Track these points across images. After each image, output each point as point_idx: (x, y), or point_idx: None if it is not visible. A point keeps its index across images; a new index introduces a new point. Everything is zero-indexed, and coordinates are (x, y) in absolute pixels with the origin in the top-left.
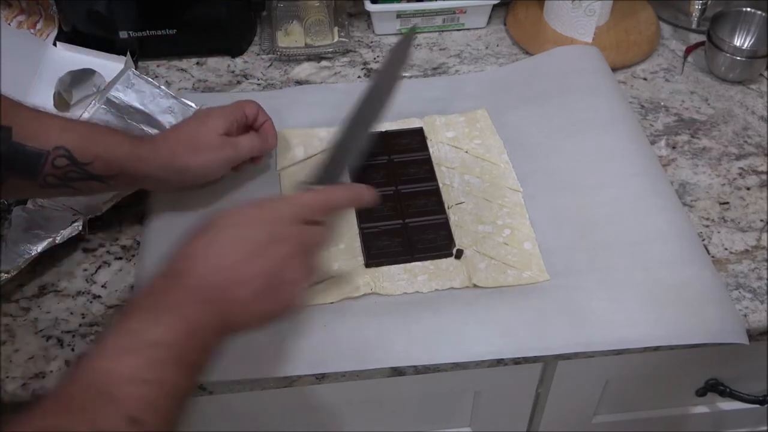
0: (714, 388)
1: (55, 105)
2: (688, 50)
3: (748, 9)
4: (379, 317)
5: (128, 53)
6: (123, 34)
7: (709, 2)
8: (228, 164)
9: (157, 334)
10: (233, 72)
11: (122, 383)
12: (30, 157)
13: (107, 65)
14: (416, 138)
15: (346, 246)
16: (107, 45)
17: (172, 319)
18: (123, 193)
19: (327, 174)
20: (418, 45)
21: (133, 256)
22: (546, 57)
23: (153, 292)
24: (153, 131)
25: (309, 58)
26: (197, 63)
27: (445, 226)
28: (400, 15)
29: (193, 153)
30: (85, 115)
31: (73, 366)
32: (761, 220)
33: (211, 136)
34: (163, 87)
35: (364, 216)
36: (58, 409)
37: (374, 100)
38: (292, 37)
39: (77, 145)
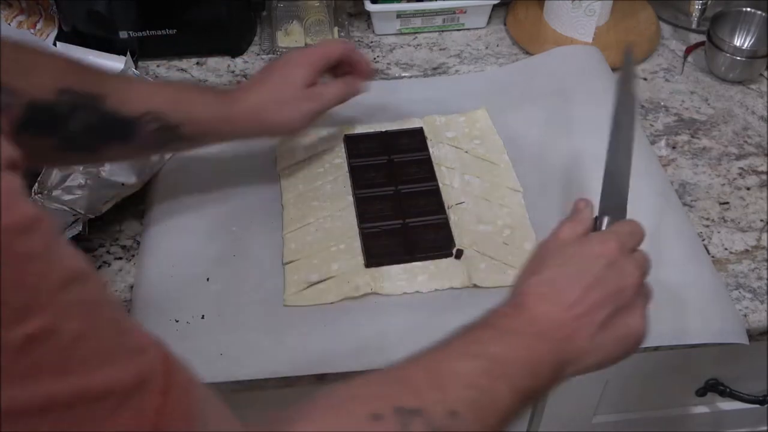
0: (714, 388)
1: None
2: (688, 50)
3: (748, 9)
4: (379, 317)
5: (128, 53)
6: (123, 34)
7: (709, 2)
8: (313, 116)
9: (499, 349)
10: (233, 72)
11: (454, 379)
12: (123, 124)
13: (107, 65)
14: (416, 138)
15: (346, 246)
16: (107, 45)
17: (515, 342)
18: (123, 194)
19: (614, 204)
20: (418, 45)
21: (133, 256)
22: (546, 57)
23: (503, 315)
24: None
25: None
26: (197, 63)
27: (445, 226)
28: (400, 15)
29: (277, 109)
30: None
31: (416, 353)
32: (761, 220)
33: (295, 90)
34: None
35: (364, 216)
36: (388, 382)
37: (625, 123)
38: (292, 37)
39: (167, 109)
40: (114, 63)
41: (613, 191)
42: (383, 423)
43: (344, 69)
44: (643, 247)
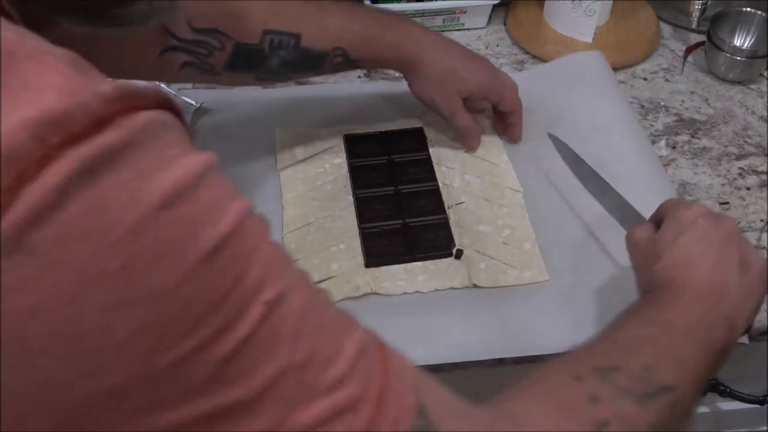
0: (714, 388)
1: None
2: (688, 50)
3: (748, 9)
4: (379, 317)
5: None
6: None
7: (709, 2)
8: (441, 113)
9: (669, 315)
10: None
11: (638, 342)
12: (315, 58)
13: None
14: (416, 138)
15: (346, 246)
16: None
17: (680, 307)
18: None
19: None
20: None
21: None
22: (548, 67)
23: (657, 295)
24: None
25: None
26: None
27: (445, 226)
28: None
29: (429, 87)
30: None
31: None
32: (761, 220)
33: (450, 93)
34: (162, 85)
35: (364, 216)
36: (578, 355)
37: (585, 171)
38: None
39: (354, 47)
40: None
41: (627, 211)
42: (585, 382)
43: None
44: None
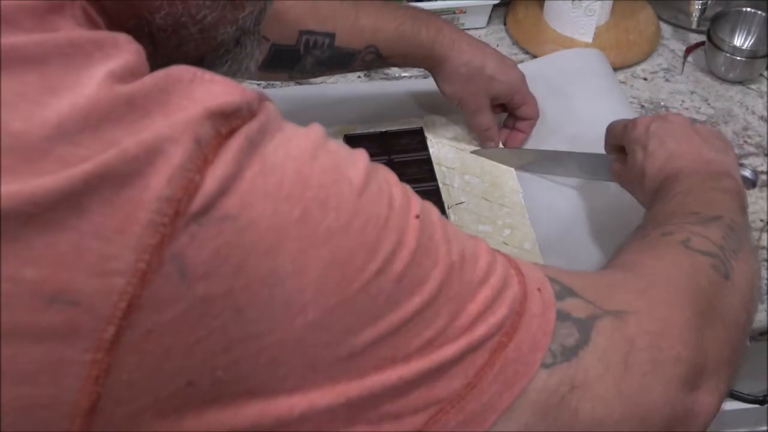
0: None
1: None
2: (688, 50)
3: (748, 9)
4: None
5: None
6: None
7: (709, 2)
8: (467, 111)
9: (678, 188)
10: None
11: (675, 209)
12: (347, 56)
13: None
14: (416, 138)
15: None
16: None
17: (678, 183)
18: None
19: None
20: None
21: None
22: (547, 60)
23: (661, 186)
24: None
25: None
26: None
27: None
28: None
29: (458, 84)
30: None
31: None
32: (761, 220)
33: (478, 91)
34: None
35: None
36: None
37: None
38: None
39: (385, 46)
40: None
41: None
42: (652, 234)
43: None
44: None
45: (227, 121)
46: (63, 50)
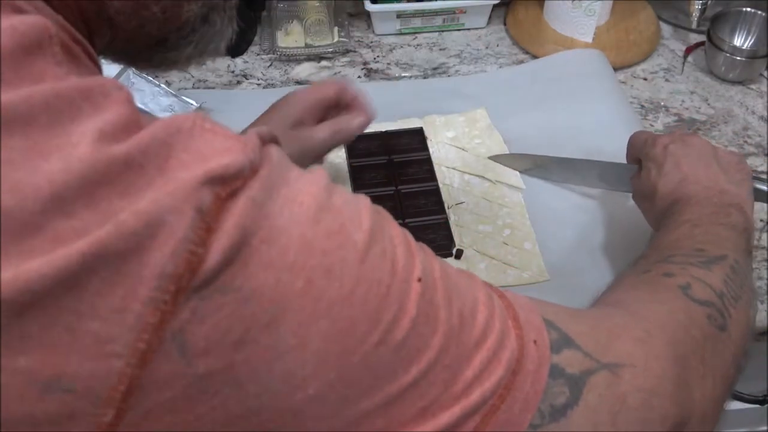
0: None
1: None
2: (688, 50)
3: (748, 9)
4: None
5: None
6: None
7: (709, 2)
8: (301, 159)
9: (689, 215)
10: (233, 72)
11: (680, 239)
12: None
13: (107, 65)
14: (416, 138)
15: None
16: None
17: (688, 209)
18: None
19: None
20: (418, 45)
21: None
22: (547, 61)
23: (671, 208)
24: None
25: (309, 58)
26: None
27: (445, 226)
28: (400, 15)
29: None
30: None
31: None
32: (761, 220)
33: (281, 131)
34: (163, 85)
35: None
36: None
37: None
38: (292, 37)
39: None
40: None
41: (615, 170)
42: (653, 271)
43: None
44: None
45: (228, 185)
46: (50, 105)
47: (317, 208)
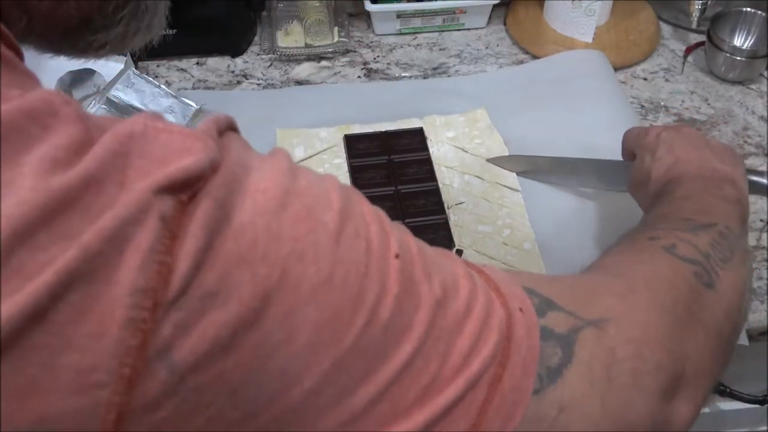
0: (714, 388)
1: None
2: (688, 50)
3: (748, 9)
4: None
5: (128, 53)
6: None
7: (709, 2)
8: None
9: (682, 191)
10: (233, 72)
11: (670, 213)
12: None
13: (107, 65)
14: (416, 138)
15: None
16: None
17: (679, 188)
18: None
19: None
20: (418, 45)
21: None
22: (547, 61)
23: (663, 190)
24: None
25: (309, 58)
26: (197, 63)
27: (445, 226)
28: (400, 15)
29: None
30: None
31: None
32: (761, 220)
33: None
34: (163, 86)
35: None
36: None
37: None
38: (292, 37)
39: None
40: (114, 63)
41: (610, 167)
42: (640, 239)
43: None
44: None
45: (189, 188)
46: None
47: (282, 193)
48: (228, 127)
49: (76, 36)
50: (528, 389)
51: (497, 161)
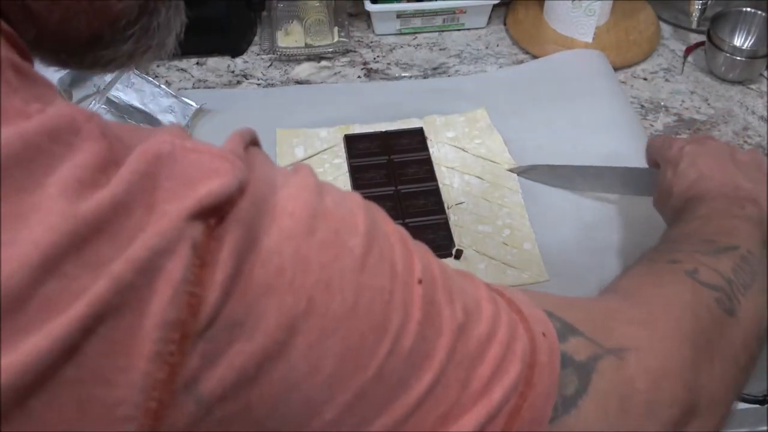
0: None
1: None
2: (688, 50)
3: (748, 9)
4: None
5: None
6: None
7: (709, 2)
8: None
9: (704, 211)
10: (233, 72)
11: (690, 234)
12: None
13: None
14: (416, 138)
15: None
16: None
17: (702, 206)
18: None
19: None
20: (418, 45)
21: None
22: (547, 61)
23: (685, 206)
24: None
25: (309, 58)
26: (197, 63)
27: (445, 226)
28: (400, 15)
29: None
30: None
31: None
32: None
33: None
34: (163, 86)
35: None
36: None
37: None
38: (292, 37)
39: None
40: None
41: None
42: (659, 261)
43: None
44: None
45: (218, 211)
46: (18, 158)
47: (309, 216)
48: (251, 141)
49: (84, 51)
50: (545, 419)
51: (518, 170)
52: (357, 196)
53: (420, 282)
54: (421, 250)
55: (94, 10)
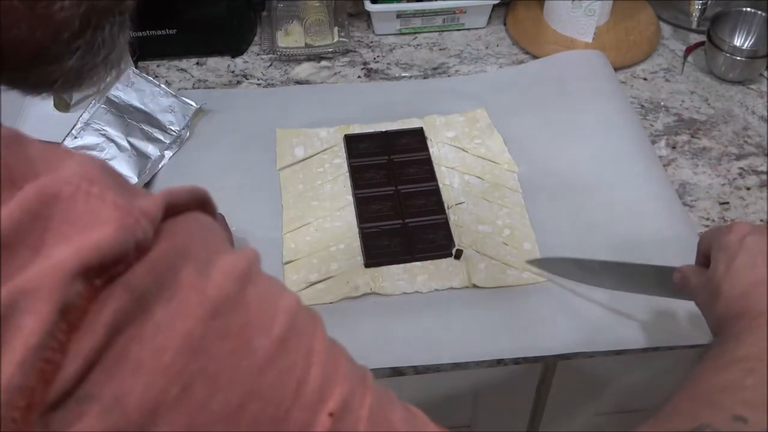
0: None
1: (55, 105)
2: (688, 50)
3: (748, 9)
4: (378, 317)
5: (128, 53)
6: None
7: (709, 2)
8: None
9: (743, 350)
10: (233, 72)
11: (724, 391)
12: None
13: None
14: (416, 138)
15: (346, 246)
16: None
17: (750, 338)
18: None
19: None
20: (418, 45)
21: None
22: (548, 61)
23: (733, 321)
24: (153, 130)
25: (309, 58)
26: (197, 63)
27: (445, 226)
28: (400, 15)
29: None
30: (85, 115)
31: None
32: (761, 220)
33: None
34: (163, 86)
35: (364, 216)
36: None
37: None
38: (292, 37)
39: None
40: None
41: (662, 273)
42: None
43: None
44: (644, 247)
45: (106, 271)
46: None
47: (220, 298)
48: (197, 205)
49: (29, 67)
50: None
51: (538, 263)
52: (294, 301)
53: (331, 415)
54: (364, 388)
55: (36, 17)
